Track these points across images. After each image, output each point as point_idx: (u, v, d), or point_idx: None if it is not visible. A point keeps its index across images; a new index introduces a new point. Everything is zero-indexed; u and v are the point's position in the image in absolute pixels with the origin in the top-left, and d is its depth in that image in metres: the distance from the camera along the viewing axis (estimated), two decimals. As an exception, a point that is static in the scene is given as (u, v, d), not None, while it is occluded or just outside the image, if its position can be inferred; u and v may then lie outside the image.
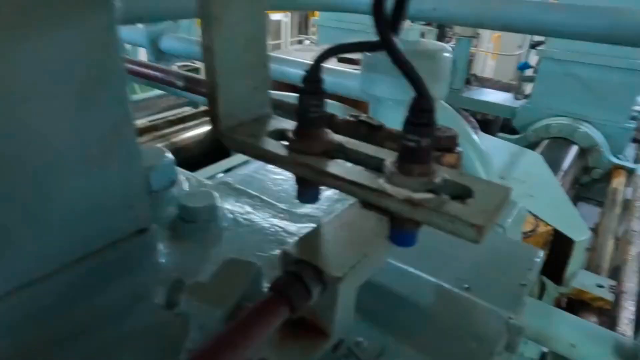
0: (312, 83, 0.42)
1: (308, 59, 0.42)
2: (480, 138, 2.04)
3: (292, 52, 3.40)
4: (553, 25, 1.26)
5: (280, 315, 0.37)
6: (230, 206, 0.73)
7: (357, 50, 0.39)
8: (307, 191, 0.45)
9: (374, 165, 0.42)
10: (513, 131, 3.97)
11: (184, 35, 2.95)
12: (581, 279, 2.24)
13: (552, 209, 2.15)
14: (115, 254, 0.55)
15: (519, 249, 0.65)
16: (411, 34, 1.47)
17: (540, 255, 0.63)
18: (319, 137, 0.43)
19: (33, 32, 0.43)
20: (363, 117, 0.61)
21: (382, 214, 0.49)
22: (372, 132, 0.58)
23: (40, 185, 0.48)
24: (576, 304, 2.26)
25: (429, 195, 0.36)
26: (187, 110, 3.22)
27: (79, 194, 0.50)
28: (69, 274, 0.51)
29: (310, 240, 0.44)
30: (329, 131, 0.45)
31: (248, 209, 0.74)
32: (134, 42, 2.88)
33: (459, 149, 0.57)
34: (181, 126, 2.91)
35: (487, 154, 1.89)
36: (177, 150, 2.68)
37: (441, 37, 4.46)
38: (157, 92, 3.62)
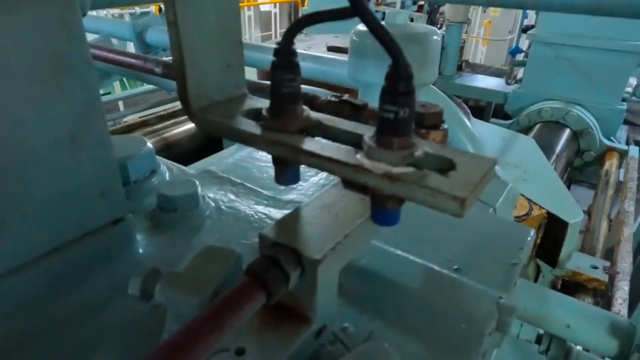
0: (284, 56, 0.39)
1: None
2: (473, 124, 2.03)
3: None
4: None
5: (255, 301, 0.35)
6: (213, 194, 0.71)
7: (330, 19, 0.37)
8: (284, 172, 0.43)
9: (353, 142, 0.39)
10: (506, 116, 3.96)
11: (170, 28, 2.90)
12: (576, 260, 2.26)
13: (545, 192, 2.15)
14: (90, 245, 0.52)
15: (510, 228, 0.63)
16: (399, 18, 1.45)
17: (532, 234, 0.62)
18: (295, 114, 0.41)
19: (-14, 11, 0.40)
20: (345, 97, 0.59)
21: (364, 193, 0.47)
22: (356, 112, 0.55)
23: (8, 175, 0.45)
24: (571, 286, 2.27)
25: (409, 169, 0.34)
26: (178, 104, 3.18)
27: (49, 183, 0.48)
28: (44, 266, 0.49)
29: (289, 222, 0.42)
30: (306, 108, 0.43)
31: (231, 196, 0.71)
32: (120, 36, 2.83)
33: (444, 125, 0.55)
34: (172, 121, 2.87)
35: (480, 140, 1.87)
36: (169, 145, 2.65)
37: (431, 23, 4.43)
38: (147, 87, 3.58)
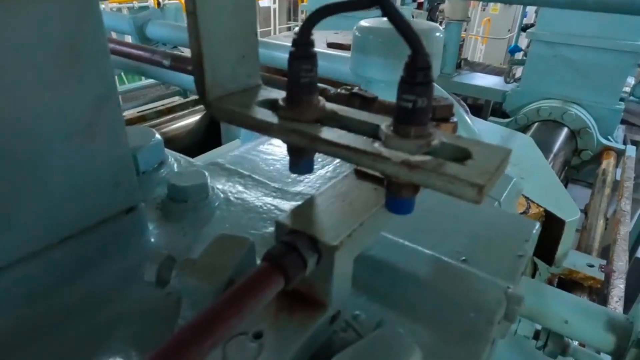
0: (302, 46, 0.40)
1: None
2: (471, 122, 2.04)
3: (282, 39, 3.36)
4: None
5: (275, 285, 0.35)
6: (221, 186, 0.72)
7: (350, 9, 0.37)
8: (300, 161, 0.44)
9: (370, 132, 0.40)
10: (504, 115, 3.98)
11: (171, 22, 2.90)
12: (572, 259, 2.28)
13: (543, 191, 2.17)
14: (104, 233, 0.53)
15: (515, 221, 0.64)
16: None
17: (537, 227, 0.63)
18: (311, 104, 0.42)
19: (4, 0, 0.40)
20: (356, 89, 0.60)
21: (377, 183, 0.48)
22: (366, 105, 0.56)
23: (25, 163, 0.45)
24: (567, 284, 2.29)
25: (427, 157, 0.34)
26: (177, 100, 3.18)
27: (65, 171, 0.49)
28: (59, 253, 0.50)
29: (304, 210, 0.42)
30: (321, 99, 0.44)
31: (240, 188, 0.72)
32: (120, 29, 2.83)
33: (454, 118, 0.55)
34: (170, 116, 2.86)
35: (480, 137, 1.88)
36: (167, 140, 2.64)
37: (430, 20, 4.43)
38: (146, 82, 3.57)
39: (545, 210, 2.05)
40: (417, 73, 0.34)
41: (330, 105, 0.44)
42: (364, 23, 1.47)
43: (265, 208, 0.67)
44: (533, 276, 2.28)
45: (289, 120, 0.41)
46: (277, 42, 2.19)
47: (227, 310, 0.32)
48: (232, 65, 0.46)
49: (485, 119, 3.90)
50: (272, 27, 8.19)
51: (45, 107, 0.45)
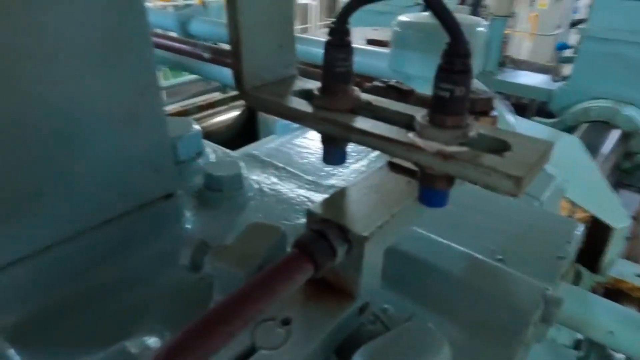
0: (338, 34, 0.40)
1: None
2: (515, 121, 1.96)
3: (320, 35, 3.37)
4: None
5: (303, 272, 0.35)
6: (256, 177, 0.73)
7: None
8: (333, 151, 0.44)
9: (404, 123, 0.39)
10: (549, 115, 3.81)
11: (214, 19, 2.97)
12: (619, 268, 2.15)
13: (590, 195, 2.05)
14: (143, 218, 0.55)
15: (557, 221, 0.61)
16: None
17: (581, 228, 0.60)
18: (346, 94, 0.42)
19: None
20: (392, 82, 0.59)
21: (411, 176, 0.47)
22: (402, 98, 0.55)
23: (70, 147, 0.48)
24: (613, 294, 2.17)
25: (463, 148, 0.34)
26: (217, 95, 3.25)
27: (106, 155, 0.51)
28: (99, 235, 0.52)
29: (336, 200, 0.42)
30: (356, 88, 0.44)
31: (274, 179, 0.73)
32: (164, 26, 2.92)
33: (494, 112, 0.54)
34: (211, 111, 2.95)
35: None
36: (207, 134, 2.72)
37: (474, 15, 4.29)
38: (188, 77, 3.67)
39: (592, 216, 1.94)
40: (455, 60, 0.33)
41: (365, 96, 0.44)
42: (403, 18, 1.44)
43: (298, 200, 0.67)
44: (577, 284, 2.17)
45: (323, 109, 0.41)
46: (314, 37, 2.20)
47: (256, 293, 0.33)
48: (268, 54, 0.47)
49: (530, 118, 3.75)
50: (310, 25, 8.21)
51: (92, 95, 0.47)
